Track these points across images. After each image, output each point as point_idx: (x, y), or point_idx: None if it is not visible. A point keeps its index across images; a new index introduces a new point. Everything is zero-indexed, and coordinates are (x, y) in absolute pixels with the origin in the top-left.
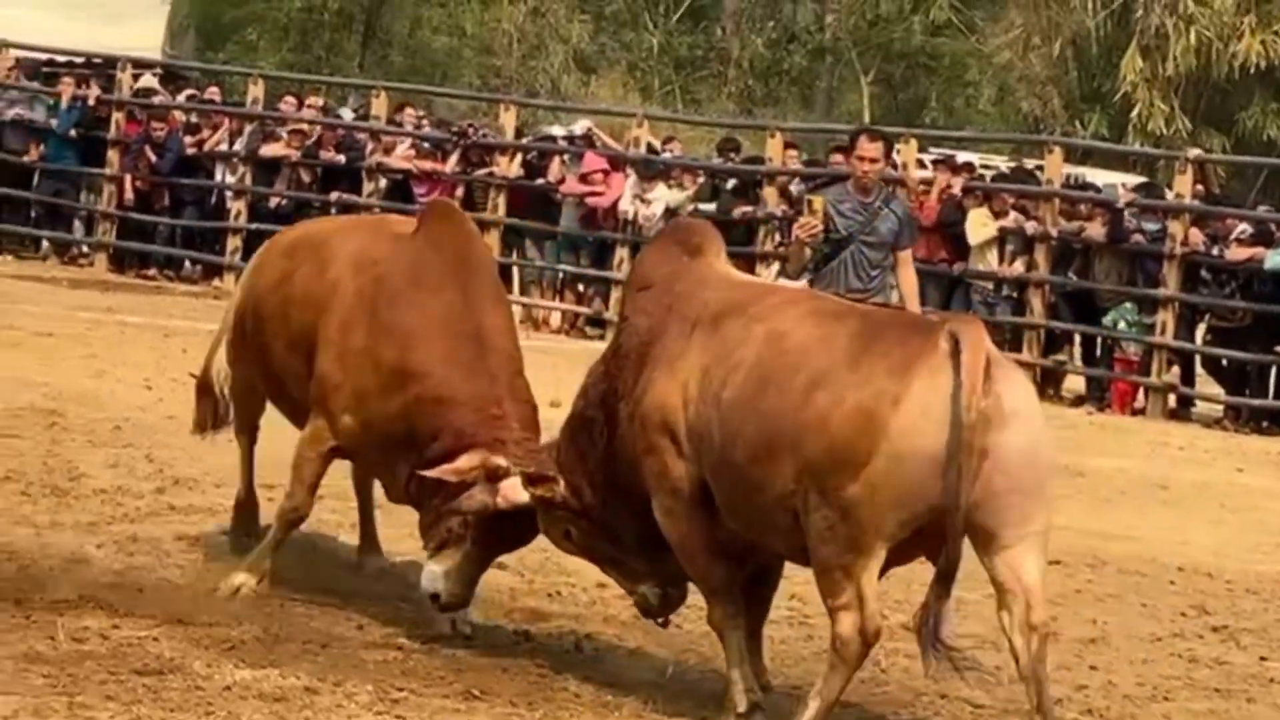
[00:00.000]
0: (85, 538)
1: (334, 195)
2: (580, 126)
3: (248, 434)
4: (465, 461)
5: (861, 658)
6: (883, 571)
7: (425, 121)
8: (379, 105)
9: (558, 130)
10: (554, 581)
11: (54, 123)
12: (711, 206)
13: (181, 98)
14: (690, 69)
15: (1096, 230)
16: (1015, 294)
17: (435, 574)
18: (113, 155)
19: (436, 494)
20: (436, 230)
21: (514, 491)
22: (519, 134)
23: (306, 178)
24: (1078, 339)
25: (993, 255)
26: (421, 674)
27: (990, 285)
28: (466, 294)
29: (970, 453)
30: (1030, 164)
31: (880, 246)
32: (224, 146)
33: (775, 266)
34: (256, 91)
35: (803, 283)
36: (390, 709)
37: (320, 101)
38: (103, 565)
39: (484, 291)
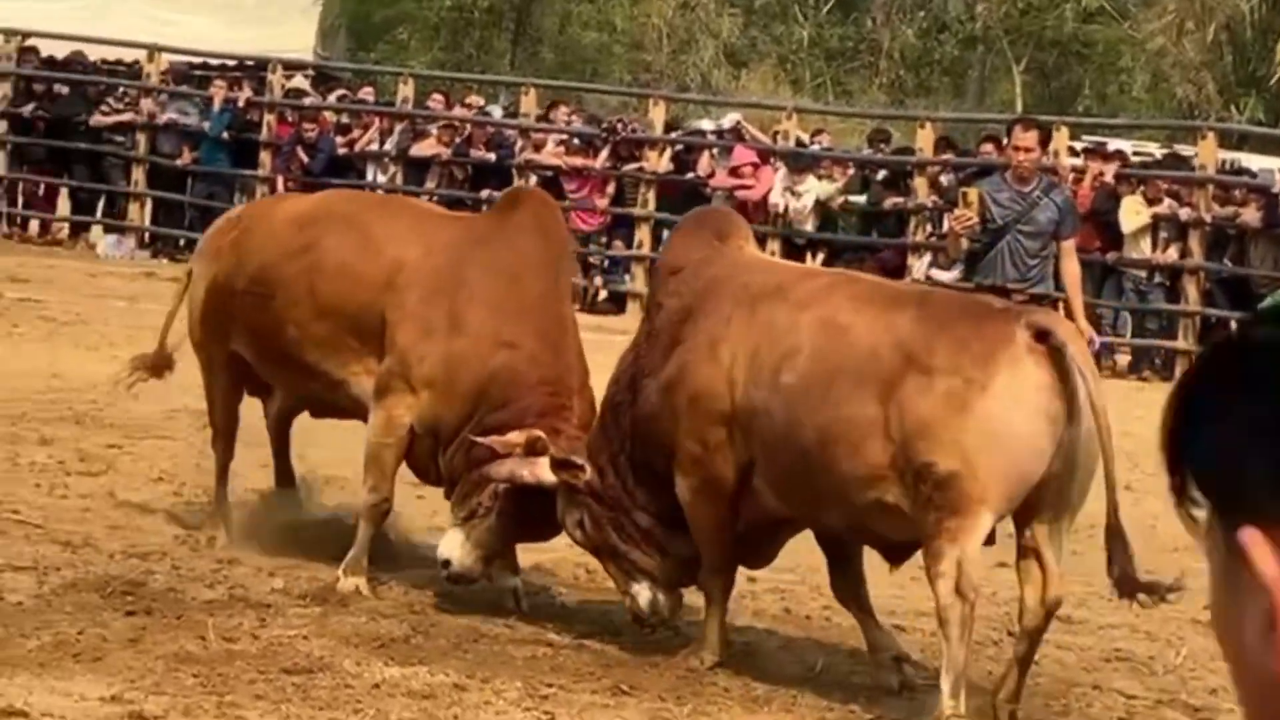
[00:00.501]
0: (242, 538)
1: (484, 193)
2: (729, 120)
3: (227, 438)
4: (515, 436)
5: (967, 618)
6: None
7: (575, 118)
8: (528, 102)
9: (707, 124)
10: None
11: (206, 126)
12: (862, 198)
13: (332, 98)
14: (841, 60)
15: (1252, 216)
16: (1169, 281)
17: (453, 541)
18: (265, 157)
19: (477, 464)
20: (528, 217)
21: (542, 470)
22: (669, 129)
23: (458, 175)
24: (1233, 325)
25: (1146, 243)
26: (570, 670)
27: (1143, 273)
28: (556, 281)
29: (1109, 433)
30: (1184, 150)
31: (1038, 236)
32: (375, 146)
33: (926, 257)
34: (407, 91)
35: (955, 274)
36: (538, 705)
37: (478, 100)
38: (254, 564)
39: (566, 283)
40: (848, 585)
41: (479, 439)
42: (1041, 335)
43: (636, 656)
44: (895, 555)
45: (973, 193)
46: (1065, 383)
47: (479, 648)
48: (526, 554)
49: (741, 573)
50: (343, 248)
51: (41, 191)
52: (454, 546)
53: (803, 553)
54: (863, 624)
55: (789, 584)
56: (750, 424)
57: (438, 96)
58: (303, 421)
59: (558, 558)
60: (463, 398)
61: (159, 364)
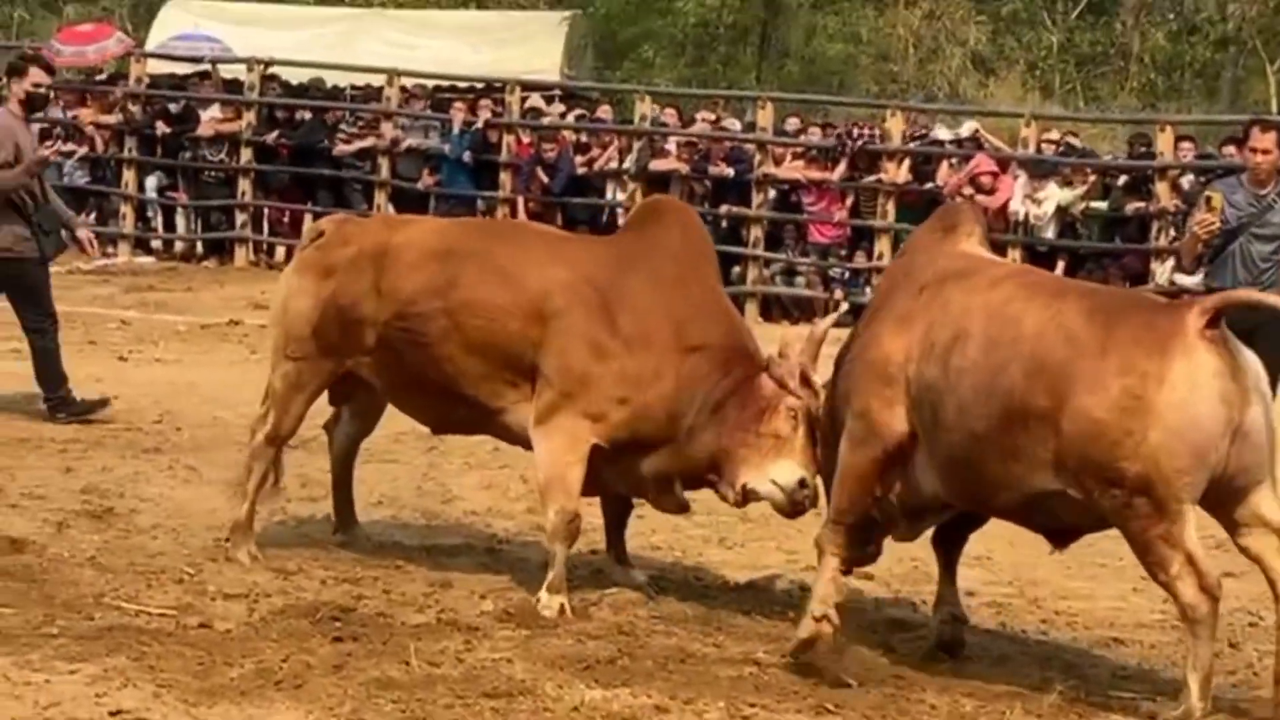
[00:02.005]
0: (451, 560)
1: (723, 208)
2: (967, 129)
3: (276, 448)
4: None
5: (1214, 616)
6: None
7: (813, 130)
8: (764, 116)
9: (945, 133)
10: (919, 590)
11: (447, 148)
12: (1103, 204)
13: (570, 117)
14: (1091, 65)
15: None
16: None
17: (796, 470)
18: (505, 178)
19: (743, 425)
20: (666, 223)
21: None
22: (908, 139)
23: (697, 191)
24: None
25: None
26: (775, 689)
27: None
28: (714, 278)
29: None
30: None
31: (1272, 240)
32: (614, 164)
33: (1169, 263)
34: (645, 108)
35: (1198, 278)
36: None
37: (713, 115)
38: (467, 588)
39: (717, 276)
40: (951, 538)
41: (777, 370)
42: (1214, 320)
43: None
44: (1060, 539)
45: (1217, 197)
46: (1239, 363)
47: (685, 668)
48: (738, 571)
49: (959, 586)
50: (486, 283)
51: (286, 218)
52: (796, 471)
53: (1023, 566)
54: (941, 575)
55: (1005, 597)
56: (920, 399)
57: (670, 112)
58: None
59: (772, 574)
60: (663, 409)
61: None
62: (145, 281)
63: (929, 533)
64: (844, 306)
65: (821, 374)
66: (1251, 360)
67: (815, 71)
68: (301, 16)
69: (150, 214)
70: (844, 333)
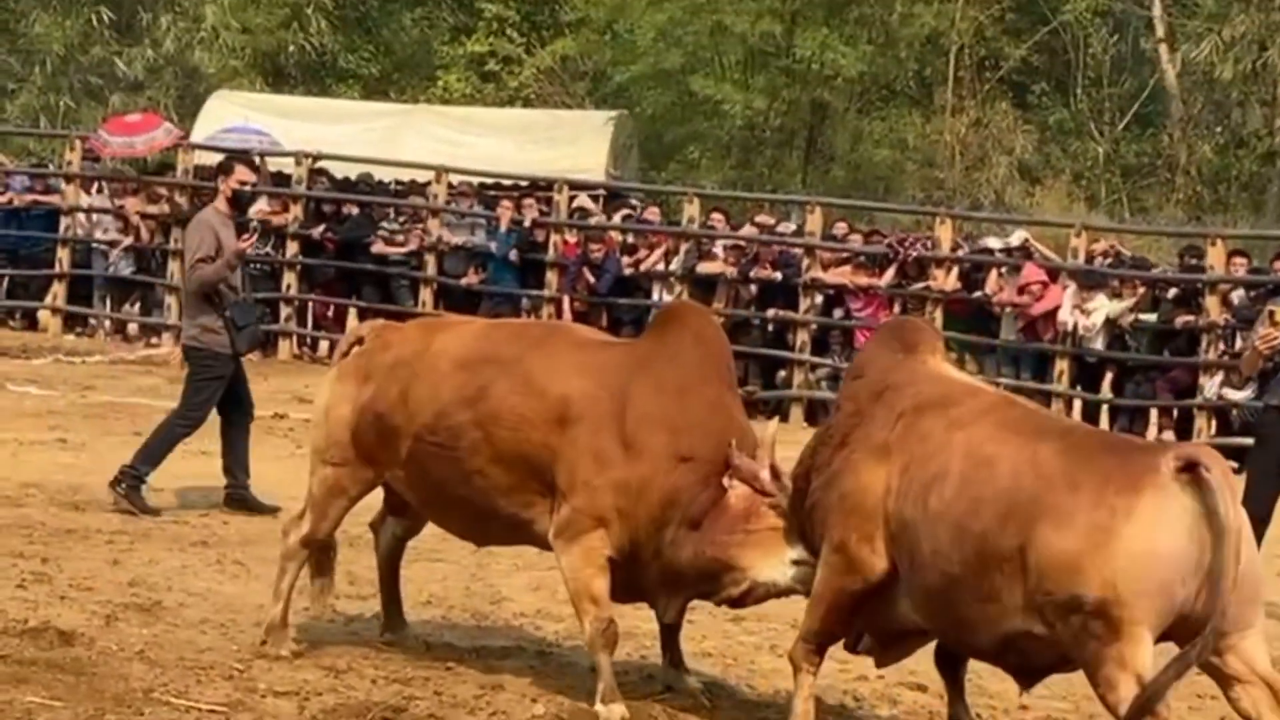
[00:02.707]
0: (501, 663)
1: (770, 312)
2: (1017, 238)
3: (310, 550)
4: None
5: None
6: None
7: (856, 236)
8: (813, 220)
9: (994, 242)
10: (973, 702)
11: (494, 246)
12: (1152, 316)
13: (617, 218)
14: (1138, 177)
15: None
16: None
17: (784, 561)
18: (551, 276)
19: (728, 530)
20: (686, 330)
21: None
22: (955, 246)
23: (744, 295)
24: None
25: None
26: None
27: None
28: (723, 386)
29: (1237, 559)
30: None
31: None
32: (660, 266)
33: (1218, 377)
34: (692, 210)
35: (1248, 393)
36: None
37: (767, 219)
38: (517, 689)
39: (733, 387)
40: (951, 658)
41: (741, 465)
42: (1188, 466)
43: None
44: (1028, 679)
45: None
46: (1211, 509)
47: None
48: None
49: (1011, 700)
50: (514, 393)
51: (331, 313)
52: (787, 567)
53: (1077, 681)
54: (950, 697)
55: (1060, 712)
56: (899, 535)
57: (717, 215)
58: None
59: (826, 684)
60: (651, 519)
61: None
62: None
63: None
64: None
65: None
66: (1228, 507)
67: (861, 177)
68: (349, 111)
69: None
70: None
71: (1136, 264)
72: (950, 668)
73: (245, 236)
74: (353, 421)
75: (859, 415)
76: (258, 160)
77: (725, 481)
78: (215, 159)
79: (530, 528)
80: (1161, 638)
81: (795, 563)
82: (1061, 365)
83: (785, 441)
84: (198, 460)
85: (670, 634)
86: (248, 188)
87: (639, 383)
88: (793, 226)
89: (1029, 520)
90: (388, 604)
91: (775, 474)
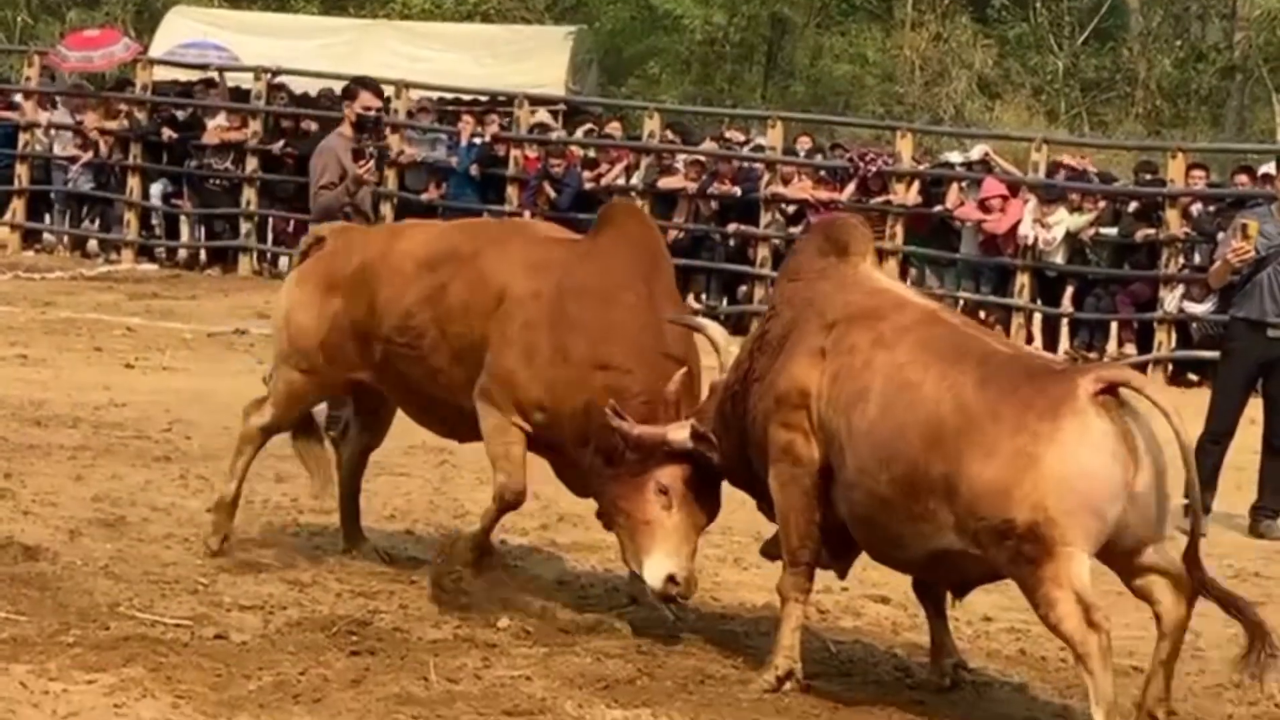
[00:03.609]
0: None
1: (731, 227)
2: (977, 152)
3: (266, 438)
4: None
5: (1106, 648)
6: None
7: (820, 152)
8: (774, 135)
9: (955, 157)
10: None
11: (454, 161)
12: (1113, 230)
13: (579, 133)
14: (1097, 91)
15: None
16: None
17: (664, 563)
18: (512, 191)
19: (622, 496)
20: (616, 232)
21: (681, 434)
22: (916, 161)
23: (704, 211)
24: None
25: None
26: (796, 711)
27: None
28: (649, 291)
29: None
30: None
31: None
32: (621, 181)
33: (1178, 290)
34: (653, 125)
35: (1209, 306)
36: None
37: (737, 135)
38: (482, 601)
39: (663, 289)
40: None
41: (628, 430)
42: (1108, 388)
43: (865, 696)
44: (960, 591)
45: (1253, 225)
46: (1131, 429)
47: (705, 689)
48: (755, 593)
49: (978, 610)
50: (463, 288)
51: (291, 228)
52: (669, 566)
53: None
54: (932, 624)
55: (1024, 623)
56: (828, 442)
57: (671, 135)
58: None
59: None
60: (571, 419)
61: None
62: (149, 289)
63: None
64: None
65: None
66: (1144, 428)
67: (821, 92)
68: (309, 26)
69: (154, 221)
70: None
71: (1103, 179)
72: (931, 595)
73: (363, 163)
74: (319, 330)
75: (794, 323)
76: (216, 76)
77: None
78: (173, 74)
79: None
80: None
81: (670, 579)
82: (1022, 279)
83: None
84: (159, 375)
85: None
86: (372, 113)
87: (569, 283)
88: (762, 141)
89: (955, 452)
90: (347, 518)
91: (700, 437)
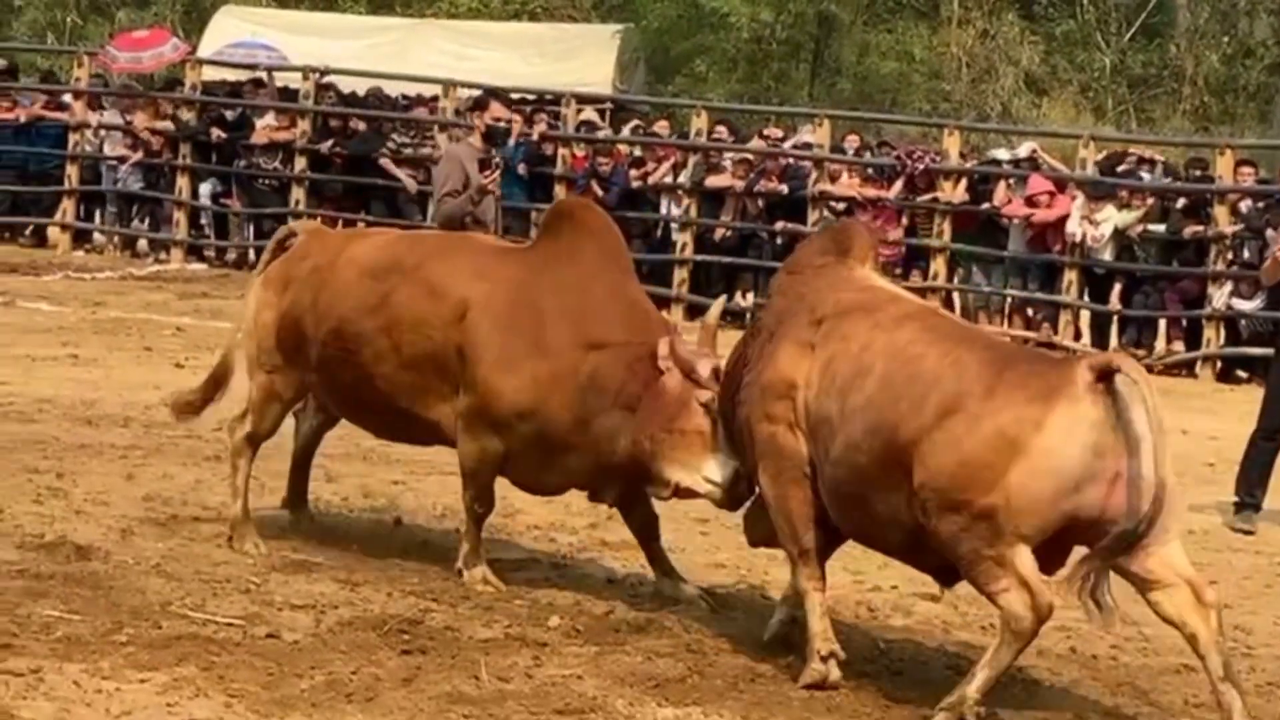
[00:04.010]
0: (516, 575)
1: (779, 225)
2: (1025, 149)
3: (255, 447)
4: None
5: (1033, 634)
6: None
7: (869, 149)
8: (822, 133)
9: (1002, 154)
10: (989, 613)
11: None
12: (1162, 226)
13: (626, 131)
14: (1144, 87)
15: None
16: None
17: (727, 462)
18: (560, 190)
19: (662, 424)
20: (567, 224)
21: (706, 370)
22: (963, 158)
23: (751, 210)
24: None
25: None
26: (848, 710)
27: None
28: (621, 271)
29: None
30: None
31: None
32: (668, 179)
33: (1226, 286)
34: (701, 123)
35: (1257, 303)
36: None
37: (775, 132)
38: (532, 601)
39: (628, 267)
40: None
41: (670, 359)
42: (1105, 375)
43: (915, 696)
44: (947, 578)
45: None
46: (1126, 418)
47: (755, 688)
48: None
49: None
50: (414, 298)
51: (339, 228)
52: (725, 464)
53: None
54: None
55: (1075, 621)
56: (815, 430)
57: (721, 129)
58: None
59: (839, 594)
60: (570, 408)
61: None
62: (198, 288)
63: None
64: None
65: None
66: (1139, 415)
67: (867, 89)
68: (356, 25)
69: (204, 221)
70: None
71: (1169, 171)
72: None
73: (488, 172)
74: (276, 328)
75: (784, 312)
76: (265, 76)
77: (662, 364)
78: (222, 74)
79: (439, 429)
80: (1074, 542)
81: (709, 480)
82: (1070, 276)
83: None
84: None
85: (651, 547)
86: (502, 123)
87: (538, 280)
88: (809, 138)
89: (942, 412)
90: (294, 485)
91: (716, 374)
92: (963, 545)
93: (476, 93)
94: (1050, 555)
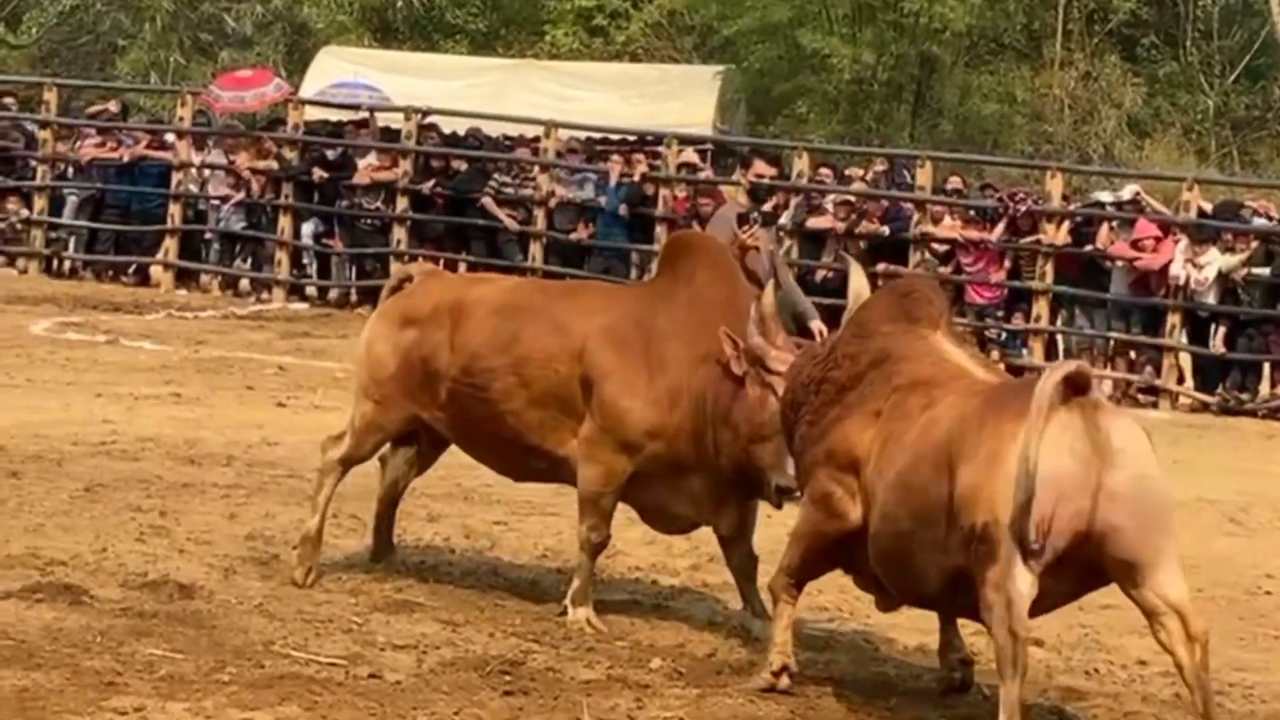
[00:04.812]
0: (617, 616)
1: (880, 266)
2: (1128, 191)
3: (345, 470)
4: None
5: (1019, 657)
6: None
7: (969, 192)
8: (924, 175)
9: (1106, 196)
10: (1091, 658)
11: (603, 200)
12: (1266, 270)
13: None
14: (1248, 129)
15: None
16: None
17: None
18: (661, 231)
19: (751, 427)
20: (681, 254)
21: (781, 362)
22: (1065, 200)
23: (852, 250)
24: None
25: None
26: None
27: None
28: (735, 290)
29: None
30: None
31: None
32: None
33: None
34: (801, 164)
35: None
36: None
37: (869, 173)
38: (634, 643)
39: (742, 289)
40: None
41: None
42: (1079, 387)
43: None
44: None
45: None
46: (1103, 425)
47: None
48: (907, 634)
49: (1131, 654)
50: (541, 335)
51: (440, 267)
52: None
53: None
54: (942, 627)
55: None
56: (868, 500)
57: (826, 170)
58: None
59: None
60: (688, 425)
61: None
62: (300, 328)
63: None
64: (1000, 367)
65: None
66: (1123, 427)
67: (969, 131)
68: (457, 66)
69: (305, 260)
70: None
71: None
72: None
73: (747, 228)
74: (393, 363)
75: (858, 379)
76: (366, 115)
77: (734, 368)
78: (324, 114)
79: (567, 464)
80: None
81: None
82: (1173, 319)
83: None
84: (313, 414)
85: (746, 587)
86: (765, 180)
87: (654, 311)
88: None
89: (953, 462)
90: (380, 531)
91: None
92: (977, 571)
93: (581, 134)
94: (1058, 589)
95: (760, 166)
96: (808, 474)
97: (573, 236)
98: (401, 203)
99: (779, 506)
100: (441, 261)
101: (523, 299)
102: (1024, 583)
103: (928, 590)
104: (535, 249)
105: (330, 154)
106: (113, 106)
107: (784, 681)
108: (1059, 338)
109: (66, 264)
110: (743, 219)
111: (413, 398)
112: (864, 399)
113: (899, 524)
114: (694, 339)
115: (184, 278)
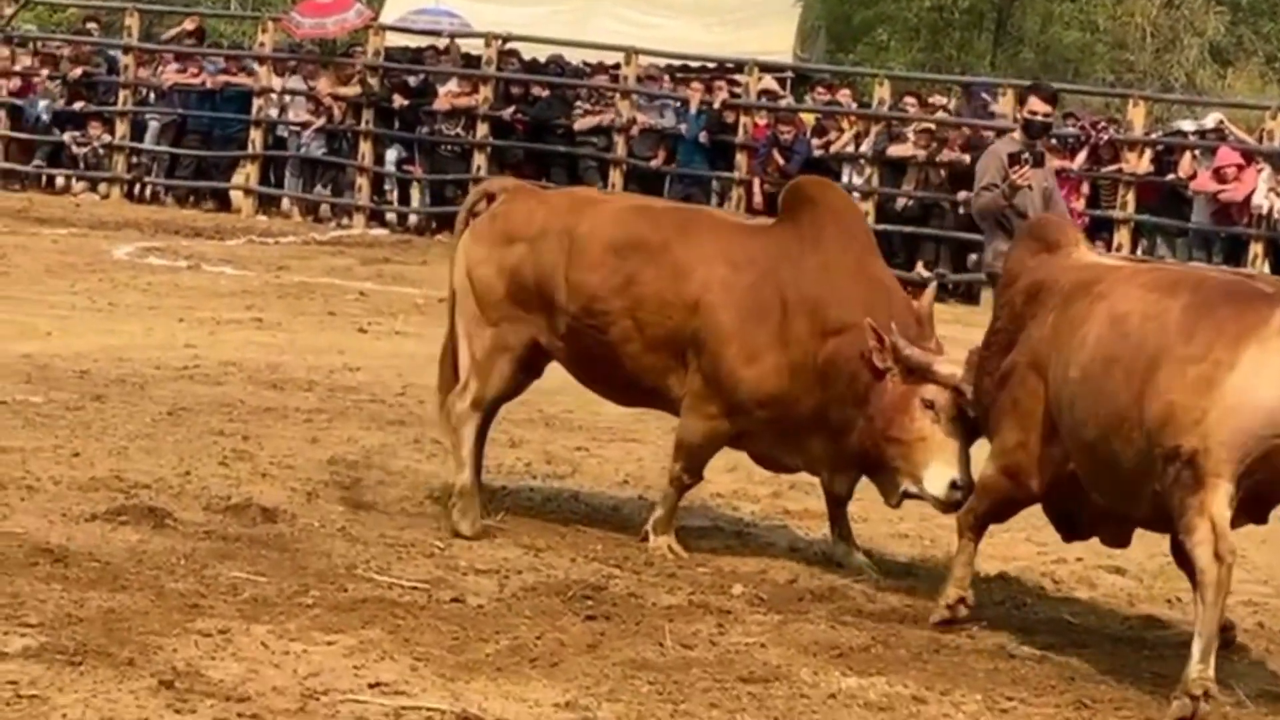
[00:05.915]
0: (699, 542)
1: (961, 195)
2: (1211, 120)
3: (481, 412)
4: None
5: (1222, 583)
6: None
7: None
8: (1005, 103)
9: (1188, 125)
10: (1174, 587)
11: (683, 128)
12: None
13: (808, 100)
14: None
15: None
16: None
17: (945, 472)
18: (741, 159)
19: (886, 427)
20: (808, 205)
21: (948, 370)
22: (1148, 129)
23: (933, 179)
24: None
25: None
26: (1033, 683)
27: None
28: (861, 251)
29: None
30: None
31: None
32: (850, 148)
33: None
34: (883, 93)
35: None
36: (998, 718)
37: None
38: (714, 569)
39: (869, 249)
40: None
41: (904, 350)
42: None
43: (1100, 670)
44: None
45: None
46: None
47: (939, 659)
48: (988, 562)
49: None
50: (659, 279)
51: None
52: (942, 474)
53: (1279, 566)
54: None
55: (1263, 597)
56: (1059, 419)
57: (911, 99)
58: None
59: (1023, 565)
60: (807, 397)
61: None
62: (380, 254)
63: None
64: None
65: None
66: None
67: (1050, 59)
68: None
69: (386, 187)
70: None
71: None
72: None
73: (1018, 168)
74: (500, 285)
75: (1019, 319)
76: (447, 42)
77: (877, 360)
78: (405, 40)
79: (668, 394)
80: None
81: (953, 485)
82: (1255, 249)
83: (975, 324)
84: (394, 340)
85: (838, 510)
86: (1039, 117)
87: (778, 266)
88: (997, 107)
89: (1149, 372)
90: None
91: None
92: (1176, 495)
93: (661, 61)
94: (1254, 509)
95: (1035, 103)
96: (995, 427)
97: (653, 163)
98: (482, 129)
99: (896, 506)
100: None
101: (636, 234)
102: (1228, 507)
103: (1137, 509)
104: (615, 175)
105: (411, 80)
106: (189, 24)
107: (961, 612)
108: None
109: (148, 189)
110: (1014, 158)
111: (530, 319)
112: (1030, 337)
113: (1090, 433)
114: (823, 309)
115: (264, 203)
